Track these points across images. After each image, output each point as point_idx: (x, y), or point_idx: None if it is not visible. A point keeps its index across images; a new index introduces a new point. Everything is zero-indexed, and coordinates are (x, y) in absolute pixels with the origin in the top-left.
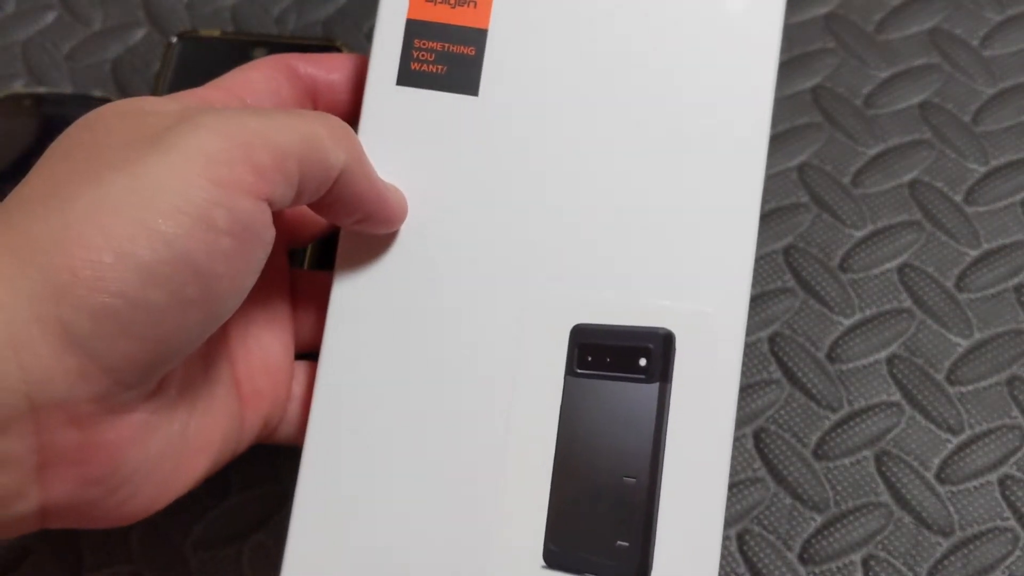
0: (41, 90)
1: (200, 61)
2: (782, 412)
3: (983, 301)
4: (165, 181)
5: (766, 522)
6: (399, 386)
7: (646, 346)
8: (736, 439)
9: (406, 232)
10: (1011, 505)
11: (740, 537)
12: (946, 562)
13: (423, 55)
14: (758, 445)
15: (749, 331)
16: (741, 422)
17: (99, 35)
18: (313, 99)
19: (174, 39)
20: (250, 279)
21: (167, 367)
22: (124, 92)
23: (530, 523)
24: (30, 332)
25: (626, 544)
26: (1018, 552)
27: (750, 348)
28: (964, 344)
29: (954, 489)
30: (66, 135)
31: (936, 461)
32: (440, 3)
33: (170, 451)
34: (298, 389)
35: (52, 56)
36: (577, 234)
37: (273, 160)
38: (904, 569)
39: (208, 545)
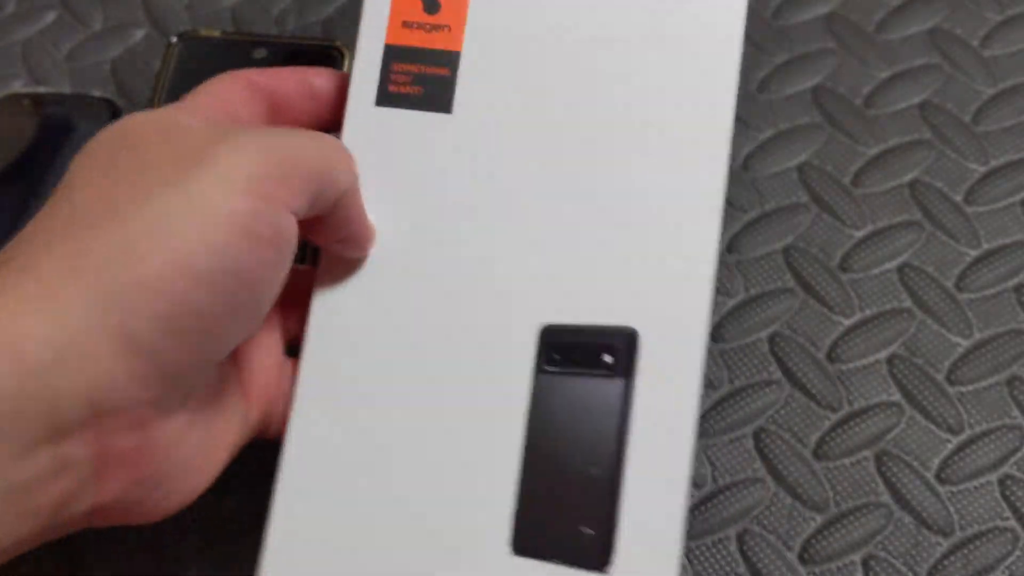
0: (41, 90)
1: (200, 61)
2: (782, 412)
3: (983, 301)
4: (215, 197)
5: (766, 522)
6: (376, 389)
7: (611, 343)
8: (736, 439)
9: (385, 245)
10: (1011, 505)
11: (740, 537)
12: (946, 562)
13: (400, 77)
14: (758, 445)
15: (749, 331)
16: (741, 422)
17: (99, 35)
18: (274, 112)
19: (174, 39)
20: (281, 284)
21: (213, 369)
22: (124, 92)
23: (499, 513)
24: (96, 342)
25: (590, 531)
26: (1018, 552)
27: (750, 348)
28: (964, 344)
29: (954, 489)
30: (100, 148)
31: (936, 461)
32: (416, 28)
33: (202, 447)
34: (287, 385)
35: (52, 56)
36: (547, 240)
37: (302, 179)
38: (904, 569)
39: (208, 545)
